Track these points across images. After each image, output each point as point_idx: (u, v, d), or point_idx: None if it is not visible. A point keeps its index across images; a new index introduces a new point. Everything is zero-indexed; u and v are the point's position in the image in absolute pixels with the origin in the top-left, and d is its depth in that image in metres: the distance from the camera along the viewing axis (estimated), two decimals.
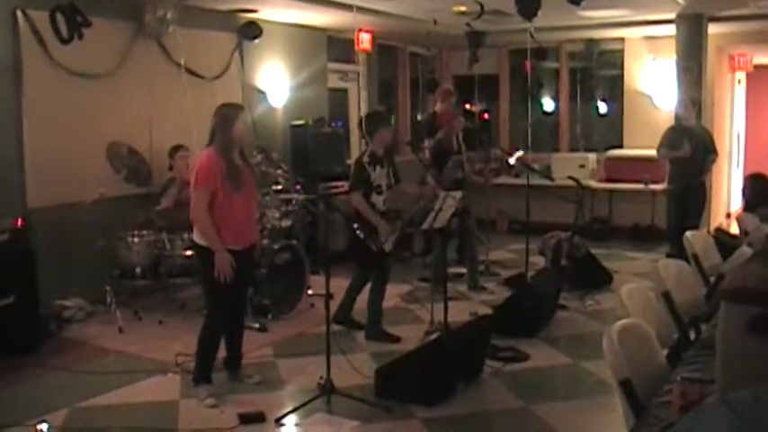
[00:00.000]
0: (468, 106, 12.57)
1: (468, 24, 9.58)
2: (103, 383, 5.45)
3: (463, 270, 8.54)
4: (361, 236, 5.99)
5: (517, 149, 8.98)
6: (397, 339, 6.46)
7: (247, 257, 5.34)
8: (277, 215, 7.45)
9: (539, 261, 8.42)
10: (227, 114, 5.20)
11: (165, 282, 7.15)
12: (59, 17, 7.04)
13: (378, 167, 6.37)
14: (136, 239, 7.02)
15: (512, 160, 8.87)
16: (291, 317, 7.07)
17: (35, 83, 6.95)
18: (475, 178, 8.44)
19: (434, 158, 7.85)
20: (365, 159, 6.36)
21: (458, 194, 6.54)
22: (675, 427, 1.78)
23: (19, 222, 6.32)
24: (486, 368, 5.67)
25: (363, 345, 6.41)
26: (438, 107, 8.70)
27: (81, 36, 7.18)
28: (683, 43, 10.05)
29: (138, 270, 7.02)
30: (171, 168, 7.53)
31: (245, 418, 4.81)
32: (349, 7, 8.60)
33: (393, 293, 7.89)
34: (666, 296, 4.40)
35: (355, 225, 6.06)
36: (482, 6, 8.44)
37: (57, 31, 7.04)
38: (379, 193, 6.38)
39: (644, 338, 3.29)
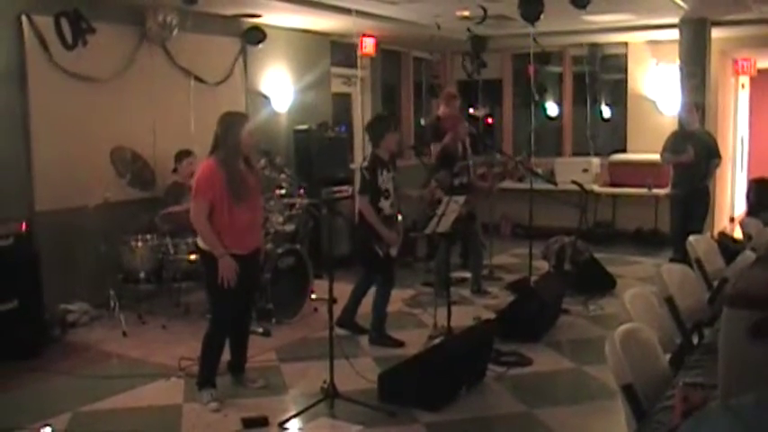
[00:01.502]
0: (471, 111, 12.60)
1: (468, 30, 9.59)
2: (107, 388, 5.46)
3: (467, 274, 8.54)
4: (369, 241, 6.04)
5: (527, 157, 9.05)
6: (400, 344, 6.46)
7: (252, 262, 5.34)
8: (280, 219, 7.45)
9: (542, 266, 8.42)
10: (232, 123, 5.19)
11: (168, 286, 7.16)
12: (64, 23, 7.06)
13: (384, 172, 6.38)
14: (140, 244, 7.03)
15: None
16: (295, 321, 7.07)
17: (39, 88, 6.97)
18: (479, 183, 8.44)
19: (440, 164, 7.85)
20: (365, 165, 6.38)
21: (460, 199, 6.55)
22: (678, 431, 1.78)
23: (23, 227, 6.33)
24: (490, 373, 5.67)
25: (367, 349, 6.41)
26: (442, 111, 8.71)
27: (85, 43, 7.21)
28: (686, 48, 10.06)
29: (141, 274, 7.03)
30: (175, 171, 7.54)
31: (249, 423, 4.82)
32: (351, 12, 8.61)
33: (397, 298, 7.88)
34: (669, 301, 4.39)
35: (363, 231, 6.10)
36: (485, 11, 8.45)
37: (61, 37, 7.06)
38: (387, 198, 6.40)
39: (647, 343, 3.29)
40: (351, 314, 6.75)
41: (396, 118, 12.51)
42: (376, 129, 6.54)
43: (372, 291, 6.64)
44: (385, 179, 6.37)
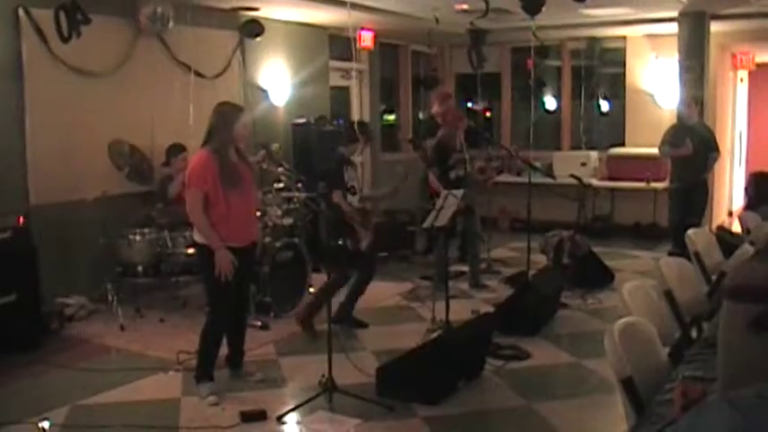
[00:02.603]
0: (470, 105, 12.60)
1: (471, 23, 9.58)
2: (105, 381, 5.46)
3: (465, 268, 8.54)
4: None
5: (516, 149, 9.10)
6: (364, 325, 6.63)
7: (248, 255, 5.34)
8: (279, 213, 7.45)
9: (540, 259, 8.42)
10: (226, 114, 5.19)
11: (166, 279, 7.15)
12: (61, 14, 7.01)
13: (349, 168, 6.52)
14: (137, 237, 7.03)
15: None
16: (293, 315, 7.06)
17: (37, 81, 6.95)
18: (476, 176, 8.43)
19: (436, 157, 7.85)
20: (331, 165, 6.50)
21: (459, 193, 6.54)
22: (677, 424, 1.78)
23: (21, 220, 6.32)
24: (488, 366, 5.67)
25: (365, 343, 6.41)
26: (435, 110, 8.74)
27: (79, 34, 7.15)
28: (685, 41, 10.03)
29: (139, 268, 7.02)
30: (167, 164, 7.50)
31: (247, 416, 4.82)
32: (351, 5, 8.58)
33: (394, 292, 7.92)
34: (668, 294, 4.39)
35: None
36: (487, 4, 8.43)
37: (59, 30, 7.01)
38: (354, 194, 6.46)
39: (645, 337, 3.28)
40: (347, 308, 6.72)
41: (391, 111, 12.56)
42: (354, 132, 6.62)
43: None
44: (349, 177, 6.50)
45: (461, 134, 7.97)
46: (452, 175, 7.71)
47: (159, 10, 7.70)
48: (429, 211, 6.53)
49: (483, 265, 8.77)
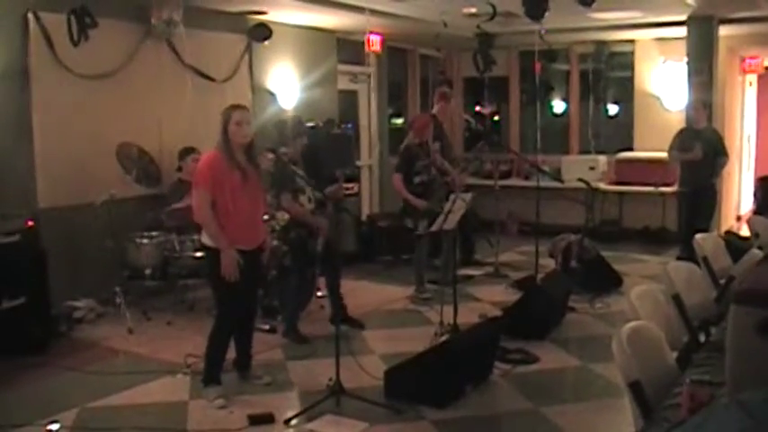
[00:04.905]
0: (478, 108, 12.60)
1: (478, 26, 9.58)
2: (113, 384, 5.47)
3: (471, 272, 8.54)
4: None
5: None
6: (361, 325, 6.66)
7: (255, 258, 5.34)
8: (286, 216, 7.44)
9: (548, 263, 8.40)
10: (223, 115, 5.23)
11: (174, 283, 7.17)
12: (72, 19, 7.05)
13: (298, 166, 6.47)
14: (145, 240, 7.05)
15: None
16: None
17: (45, 84, 6.97)
18: (440, 180, 8.37)
19: (402, 163, 7.84)
20: (277, 167, 6.46)
21: (467, 196, 6.54)
22: (685, 424, 1.77)
23: (29, 223, 6.34)
24: (496, 370, 5.66)
25: (372, 346, 6.41)
26: (435, 109, 8.88)
27: (87, 38, 7.18)
28: (693, 45, 10.02)
29: (147, 271, 7.03)
30: (179, 169, 7.54)
31: (255, 419, 4.82)
32: (359, 9, 8.61)
33: (402, 295, 7.91)
34: (676, 299, 4.38)
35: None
36: (494, 8, 8.44)
37: (71, 35, 7.05)
38: (303, 193, 6.43)
39: (653, 341, 3.28)
40: (337, 310, 6.64)
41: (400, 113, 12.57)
42: (292, 130, 6.60)
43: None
44: (298, 177, 6.43)
45: (429, 141, 7.95)
46: (417, 179, 7.71)
47: (169, 14, 7.72)
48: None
49: (491, 269, 8.76)
